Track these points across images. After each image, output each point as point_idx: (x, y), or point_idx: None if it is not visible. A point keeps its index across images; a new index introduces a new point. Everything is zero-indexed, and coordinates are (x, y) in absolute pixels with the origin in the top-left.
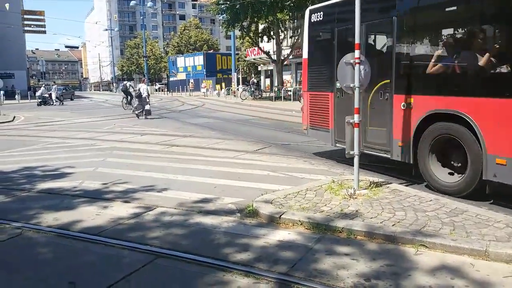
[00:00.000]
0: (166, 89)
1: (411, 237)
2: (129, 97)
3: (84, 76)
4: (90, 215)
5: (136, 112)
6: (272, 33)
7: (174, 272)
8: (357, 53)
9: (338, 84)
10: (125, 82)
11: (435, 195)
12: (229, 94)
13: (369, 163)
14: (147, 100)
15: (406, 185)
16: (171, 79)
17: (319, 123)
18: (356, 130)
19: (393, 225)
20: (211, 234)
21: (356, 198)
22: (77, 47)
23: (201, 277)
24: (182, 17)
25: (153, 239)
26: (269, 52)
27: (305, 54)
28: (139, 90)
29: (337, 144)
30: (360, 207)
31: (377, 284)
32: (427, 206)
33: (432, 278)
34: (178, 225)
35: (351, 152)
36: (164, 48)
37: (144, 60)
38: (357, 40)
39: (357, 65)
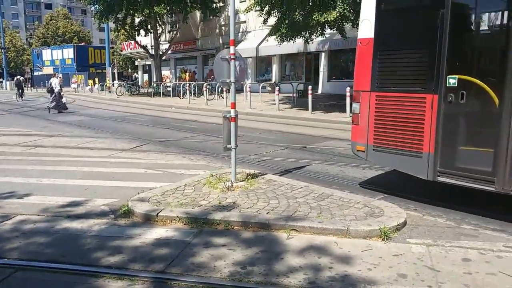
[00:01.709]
0: (30, 84)
1: (283, 222)
2: (20, 90)
3: None
4: None
5: (50, 106)
6: (149, 26)
7: (36, 285)
8: (232, 49)
9: (452, 81)
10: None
11: (305, 183)
12: (103, 90)
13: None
14: (61, 94)
15: (280, 175)
16: (36, 73)
17: (398, 143)
18: (232, 124)
19: (267, 213)
20: (80, 239)
21: (233, 190)
22: None
23: (70, 286)
24: (49, 6)
25: (11, 250)
26: (146, 46)
27: (365, 32)
28: (50, 84)
29: (441, 178)
30: (237, 198)
31: (252, 271)
32: (298, 193)
33: (302, 259)
34: (41, 233)
35: (228, 146)
36: (27, 40)
37: (2, 52)
38: (231, 37)
39: (232, 61)
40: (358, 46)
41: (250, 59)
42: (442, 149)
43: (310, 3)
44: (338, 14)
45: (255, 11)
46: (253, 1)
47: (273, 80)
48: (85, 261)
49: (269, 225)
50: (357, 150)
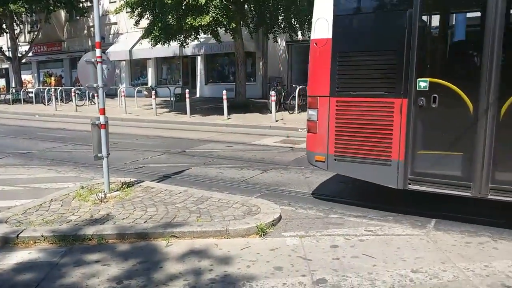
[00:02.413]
0: None
1: (162, 230)
2: None
3: None
4: None
5: None
6: (4, 26)
7: None
8: (98, 51)
9: (422, 84)
10: None
11: (184, 188)
12: None
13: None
14: None
15: (158, 182)
16: None
17: (364, 151)
18: (103, 131)
19: (144, 222)
20: None
21: (107, 201)
22: None
23: None
24: None
25: None
26: (1, 48)
27: (321, 32)
28: None
29: (412, 186)
30: (111, 210)
31: (129, 284)
32: (177, 199)
33: (182, 265)
34: None
35: (99, 155)
36: None
37: None
38: (97, 39)
39: (99, 64)
40: (313, 48)
41: (124, 62)
42: (412, 155)
43: (183, 7)
44: (211, 18)
45: (126, 12)
46: (123, 2)
47: (150, 84)
48: None
49: (147, 234)
50: (316, 161)
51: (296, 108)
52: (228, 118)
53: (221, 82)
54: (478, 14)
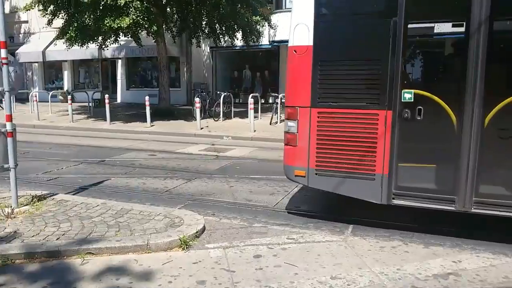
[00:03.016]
0: None
1: (77, 247)
2: None
3: None
4: None
5: None
6: None
7: None
8: (3, 52)
9: (407, 96)
10: None
11: (102, 200)
12: None
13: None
14: None
15: (74, 194)
16: None
17: (346, 165)
18: (9, 139)
19: (57, 239)
20: None
21: (15, 217)
22: None
23: None
24: None
25: None
26: None
27: (301, 39)
28: None
29: (396, 201)
30: (19, 226)
31: None
32: (94, 212)
33: (98, 284)
34: None
35: (5, 166)
36: None
37: None
38: (2, 38)
39: (5, 66)
40: (292, 55)
41: (36, 64)
42: (397, 169)
43: (101, 7)
44: (131, 20)
45: (38, 10)
46: None
47: (66, 88)
48: None
49: (60, 252)
50: (296, 176)
51: (221, 115)
52: (151, 125)
53: (144, 87)
54: (462, 24)
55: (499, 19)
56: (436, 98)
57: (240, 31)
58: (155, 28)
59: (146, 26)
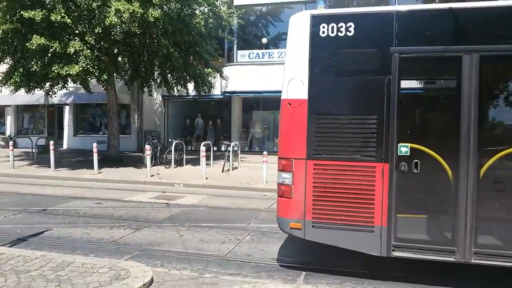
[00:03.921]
0: None
1: None
2: None
3: None
4: None
5: None
6: None
7: None
8: None
9: (404, 149)
10: None
11: (42, 252)
12: None
13: None
14: None
15: (11, 246)
16: None
17: (344, 217)
18: None
19: None
20: None
21: None
22: None
23: None
24: None
25: None
26: None
27: (295, 93)
28: None
29: (396, 253)
30: None
31: None
32: (32, 265)
33: None
34: None
35: None
36: None
37: None
38: None
39: None
40: (287, 108)
41: None
42: (396, 221)
43: (49, 54)
44: (80, 68)
45: None
46: None
47: (8, 134)
48: None
49: None
50: (291, 228)
51: (173, 162)
52: (99, 173)
53: (92, 133)
54: (454, 82)
55: (488, 80)
56: (431, 152)
57: (192, 82)
58: (105, 76)
59: (96, 74)
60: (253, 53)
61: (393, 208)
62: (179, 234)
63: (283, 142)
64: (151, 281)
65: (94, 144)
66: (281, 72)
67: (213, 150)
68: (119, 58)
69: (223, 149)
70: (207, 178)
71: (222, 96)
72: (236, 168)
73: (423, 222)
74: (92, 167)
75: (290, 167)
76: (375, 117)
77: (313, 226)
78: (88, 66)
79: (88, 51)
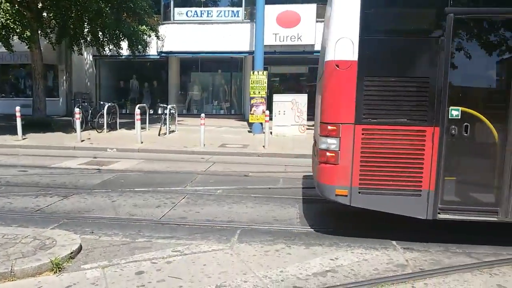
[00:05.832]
0: None
1: None
2: None
3: None
4: None
5: None
6: None
7: None
8: None
9: (455, 112)
10: None
11: None
12: None
13: None
14: None
15: None
16: None
17: (392, 183)
18: None
19: None
20: None
21: None
22: None
23: None
24: None
25: None
26: None
27: (343, 54)
28: None
29: (441, 216)
30: None
31: None
32: None
33: None
34: None
35: None
36: None
37: None
38: None
39: None
40: (334, 70)
41: None
42: (443, 185)
43: None
44: (0, 24)
45: None
46: None
47: None
48: None
49: None
50: (336, 195)
51: (105, 126)
52: (23, 138)
53: (15, 97)
54: (509, 47)
55: None
56: (481, 116)
57: (126, 41)
58: (28, 33)
59: (18, 30)
60: (191, 11)
61: (442, 172)
62: (110, 200)
63: (328, 107)
64: (80, 248)
65: (17, 108)
66: (221, 31)
67: (149, 113)
68: (44, 14)
69: (159, 112)
70: (142, 142)
71: (158, 57)
72: (173, 131)
73: (468, 185)
74: (15, 133)
75: (337, 132)
76: (427, 79)
77: (359, 192)
78: (8, 22)
79: (8, 4)
